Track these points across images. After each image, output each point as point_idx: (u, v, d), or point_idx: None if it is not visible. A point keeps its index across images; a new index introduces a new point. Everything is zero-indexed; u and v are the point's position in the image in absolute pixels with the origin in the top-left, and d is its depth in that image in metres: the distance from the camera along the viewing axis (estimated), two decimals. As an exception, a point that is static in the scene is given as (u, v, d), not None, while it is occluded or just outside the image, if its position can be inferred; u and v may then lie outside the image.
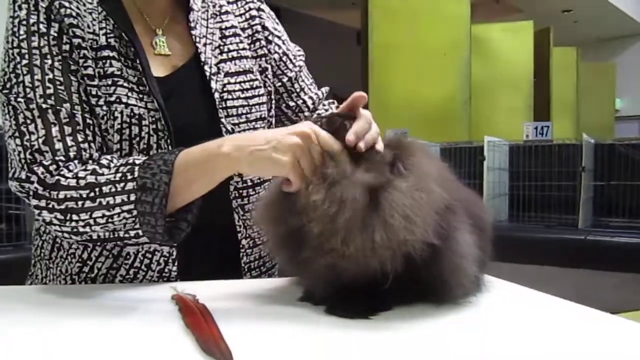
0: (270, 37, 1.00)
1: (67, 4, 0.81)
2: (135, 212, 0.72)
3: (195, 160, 0.73)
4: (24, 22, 0.80)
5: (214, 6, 0.96)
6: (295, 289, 0.74)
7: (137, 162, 0.74)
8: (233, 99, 0.91)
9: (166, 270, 0.84)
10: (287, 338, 0.57)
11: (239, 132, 0.89)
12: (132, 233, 0.75)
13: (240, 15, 0.99)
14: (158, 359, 0.51)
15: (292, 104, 1.02)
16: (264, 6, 1.02)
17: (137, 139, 0.82)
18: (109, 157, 0.78)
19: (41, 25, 0.80)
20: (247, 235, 0.91)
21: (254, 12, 1.00)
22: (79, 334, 0.58)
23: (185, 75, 0.90)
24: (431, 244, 0.61)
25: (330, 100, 1.08)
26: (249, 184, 0.91)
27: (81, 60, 0.80)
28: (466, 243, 0.65)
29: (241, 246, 0.90)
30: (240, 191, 0.91)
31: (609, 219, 3.23)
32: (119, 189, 0.73)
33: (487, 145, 3.24)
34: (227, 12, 0.97)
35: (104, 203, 0.73)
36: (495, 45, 5.48)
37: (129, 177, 0.73)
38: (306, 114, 1.03)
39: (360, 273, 0.61)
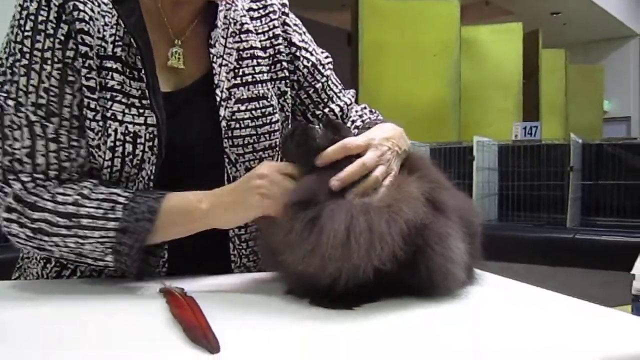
0: (297, 53, 0.95)
1: (81, 6, 0.76)
2: (110, 250, 0.72)
3: (176, 209, 0.74)
4: (32, 17, 0.76)
5: (234, 24, 0.91)
6: (281, 282, 0.74)
7: (121, 200, 0.74)
8: (241, 128, 0.86)
9: (156, 272, 0.82)
10: (274, 329, 0.57)
11: (244, 162, 0.86)
12: (101, 263, 0.75)
13: (263, 33, 0.93)
14: (145, 350, 0.51)
15: (318, 112, 0.98)
16: (289, 19, 0.97)
17: (131, 156, 0.78)
18: (89, 183, 0.76)
19: (49, 25, 0.76)
20: (241, 264, 0.89)
21: (277, 31, 0.94)
22: (65, 327, 0.58)
23: (194, 94, 0.86)
24: (421, 249, 0.62)
25: (363, 106, 1.03)
26: None
27: (84, 70, 0.76)
28: (458, 250, 0.66)
29: (232, 269, 0.88)
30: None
31: (596, 218, 3.26)
32: (99, 225, 0.72)
33: (477, 145, 3.26)
34: (248, 32, 0.92)
35: (80, 234, 0.72)
36: (484, 47, 5.52)
37: (111, 216, 0.72)
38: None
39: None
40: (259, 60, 0.91)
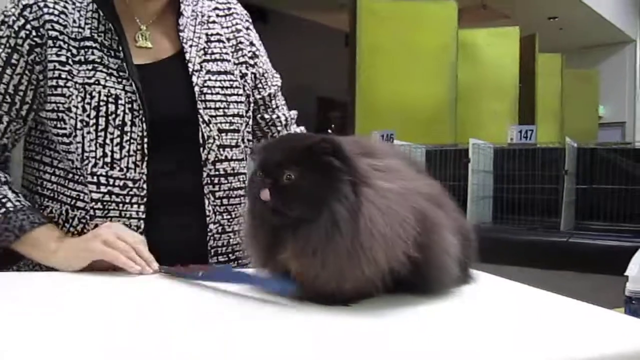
0: (257, 53, 1.11)
1: (51, 5, 0.94)
2: None
3: (36, 242, 0.89)
4: (4, 14, 0.94)
5: (202, 16, 1.05)
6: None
7: (7, 206, 0.89)
8: (212, 94, 0.99)
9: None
10: (269, 322, 0.57)
11: (216, 123, 0.99)
12: None
13: (227, 27, 1.08)
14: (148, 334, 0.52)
15: (267, 116, 1.13)
16: (252, 28, 1.13)
17: (113, 116, 0.91)
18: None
19: (12, 19, 0.93)
20: (216, 221, 0.98)
21: (240, 27, 1.10)
22: (63, 321, 0.59)
23: (167, 67, 0.99)
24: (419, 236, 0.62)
25: (302, 128, 1.17)
26: (222, 172, 1.00)
27: (55, 49, 0.92)
28: (451, 241, 0.66)
29: (209, 230, 0.97)
30: (213, 179, 0.99)
31: (590, 222, 3.27)
32: None
33: (472, 148, 3.26)
34: (214, 22, 1.06)
35: None
36: (482, 50, 5.53)
37: None
38: (279, 128, 1.14)
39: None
40: (225, 45, 1.05)
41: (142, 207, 0.92)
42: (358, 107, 4.51)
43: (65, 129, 0.92)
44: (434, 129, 4.44)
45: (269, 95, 1.12)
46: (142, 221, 0.92)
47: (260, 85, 1.11)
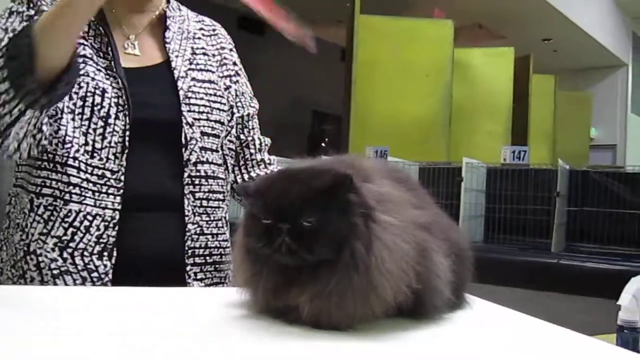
0: (240, 73, 1.16)
1: (49, 2, 0.97)
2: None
3: (47, 15, 0.87)
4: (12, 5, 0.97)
5: (188, 32, 1.10)
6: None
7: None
8: (196, 99, 1.03)
9: (104, 235, 0.92)
10: (256, 344, 0.56)
11: (199, 126, 1.02)
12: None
13: (212, 45, 1.13)
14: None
15: (242, 137, 1.15)
16: (234, 51, 1.18)
17: (99, 107, 0.95)
18: None
19: (22, 7, 0.96)
20: (195, 222, 1.00)
21: (224, 46, 1.15)
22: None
23: (154, 72, 1.03)
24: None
25: (274, 159, 1.19)
26: (202, 174, 1.02)
27: None
28: (442, 265, 0.65)
29: (187, 230, 0.99)
30: (194, 179, 1.01)
31: (580, 243, 3.29)
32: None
33: (465, 167, 3.28)
34: (200, 38, 1.12)
35: None
36: (476, 69, 5.58)
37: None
38: (252, 150, 1.17)
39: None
40: (209, 58, 1.10)
41: (117, 199, 0.93)
42: (353, 122, 4.53)
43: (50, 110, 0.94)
44: (428, 146, 4.46)
45: (248, 115, 1.16)
46: (117, 212, 0.93)
47: (240, 104, 1.14)
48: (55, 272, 0.91)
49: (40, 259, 0.91)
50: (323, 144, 7.83)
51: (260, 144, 1.18)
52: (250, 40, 7.35)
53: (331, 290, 0.57)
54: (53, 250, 0.91)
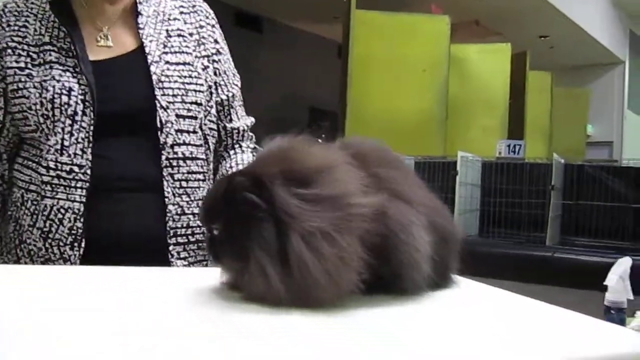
0: (221, 50, 1.16)
1: (12, 22, 1.03)
2: None
3: None
4: None
5: (164, 15, 1.10)
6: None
7: None
8: (170, 82, 1.04)
9: (74, 227, 0.97)
10: (236, 319, 0.57)
11: (174, 109, 1.03)
12: None
13: (191, 23, 1.12)
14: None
15: (228, 126, 1.16)
16: (217, 27, 1.17)
17: (66, 106, 0.98)
18: None
19: None
20: (175, 202, 1.02)
21: (203, 24, 1.14)
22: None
23: (126, 60, 1.05)
24: (385, 237, 0.61)
25: (254, 147, 1.19)
26: (180, 156, 1.04)
27: (15, 57, 1.01)
28: (422, 240, 0.65)
29: (168, 211, 1.01)
30: (172, 161, 1.03)
31: (575, 237, 3.29)
32: None
33: (460, 161, 3.28)
34: (175, 19, 1.11)
35: None
36: (473, 65, 5.58)
37: None
38: (236, 138, 1.17)
39: None
40: (186, 39, 1.10)
41: (84, 192, 0.97)
42: (348, 117, 4.52)
43: (30, 125, 1.00)
44: (424, 141, 4.46)
45: (228, 97, 1.15)
46: (82, 205, 0.97)
47: (221, 84, 1.14)
48: (41, 260, 0.99)
49: (30, 247, 1.00)
50: (319, 140, 7.82)
51: (244, 129, 1.19)
52: (247, 36, 7.35)
53: (260, 296, 0.57)
54: (39, 240, 0.99)
